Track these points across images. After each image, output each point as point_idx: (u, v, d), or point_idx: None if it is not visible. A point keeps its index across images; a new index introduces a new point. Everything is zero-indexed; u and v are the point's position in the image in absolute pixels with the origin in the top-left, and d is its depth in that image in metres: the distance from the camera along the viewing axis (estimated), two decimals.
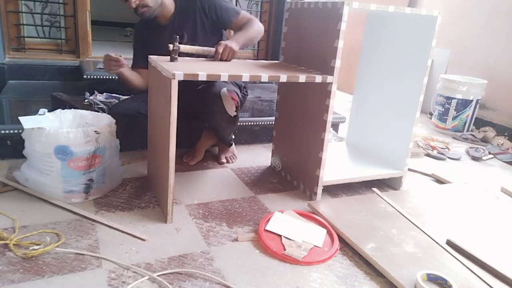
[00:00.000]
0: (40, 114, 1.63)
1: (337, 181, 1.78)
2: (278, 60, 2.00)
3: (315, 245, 1.37)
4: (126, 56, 3.22)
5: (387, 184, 1.97)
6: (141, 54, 1.94)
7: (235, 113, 1.88)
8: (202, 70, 1.41)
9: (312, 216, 1.56)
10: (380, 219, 1.56)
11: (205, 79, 1.36)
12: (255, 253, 1.33)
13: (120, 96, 2.31)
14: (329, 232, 1.46)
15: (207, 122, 2.13)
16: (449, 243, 1.42)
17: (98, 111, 1.92)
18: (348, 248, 1.40)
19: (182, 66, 1.47)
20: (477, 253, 1.35)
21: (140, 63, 1.96)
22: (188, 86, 1.76)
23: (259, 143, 2.42)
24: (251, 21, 1.96)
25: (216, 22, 1.98)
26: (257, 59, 2.20)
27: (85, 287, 1.11)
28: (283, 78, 1.48)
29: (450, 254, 1.37)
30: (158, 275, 1.16)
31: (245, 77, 1.41)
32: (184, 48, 1.69)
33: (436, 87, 3.24)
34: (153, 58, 1.62)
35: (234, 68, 1.58)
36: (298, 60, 1.81)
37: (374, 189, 1.82)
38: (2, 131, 1.82)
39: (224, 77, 1.38)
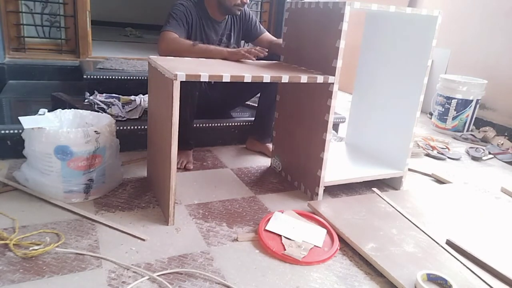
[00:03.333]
0: (40, 114, 1.63)
1: (338, 181, 1.78)
2: (278, 60, 2.00)
3: (315, 245, 1.37)
4: (125, 56, 3.22)
5: (387, 184, 1.97)
6: (182, 28, 1.96)
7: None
8: (204, 70, 1.41)
9: (312, 216, 1.56)
10: (380, 219, 1.56)
11: (207, 80, 1.36)
12: (255, 253, 1.33)
13: (120, 96, 2.31)
14: (329, 232, 1.46)
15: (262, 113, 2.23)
16: (449, 243, 1.42)
17: (98, 111, 1.92)
18: (348, 248, 1.40)
19: (183, 67, 1.47)
20: (476, 253, 1.35)
21: (179, 33, 1.93)
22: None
23: None
24: (278, 40, 2.19)
25: (247, 32, 2.24)
26: (257, 59, 2.20)
27: (85, 287, 1.11)
28: (285, 78, 1.48)
29: (450, 254, 1.37)
30: (158, 275, 1.16)
31: (247, 78, 1.41)
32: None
33: (436, 87, 3.24)
34: (153, 58, 1.62)
35: (235, 69, 1.58)
36: (299, 60, 1.81)
37: (374, 189, 1.82)
38: (2, 131, 1.82)
39: (226, 78, 1.38)
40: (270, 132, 2.25)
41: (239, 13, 2.09)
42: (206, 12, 2.07)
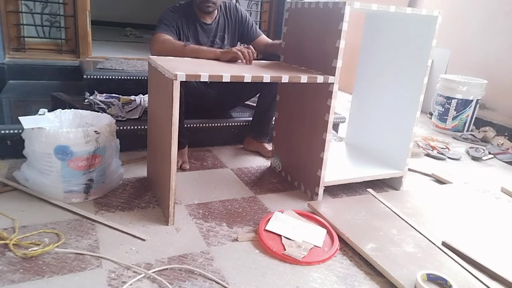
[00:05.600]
0: (40, 114, 1.63)
1: (338, 181, 1.78)
2: (277, 60, 2.00)
3: (315, 245, 1.37)
4: (125, 56, 3.22)
5: (388, 184, 1.97)
6: (174, 31, 1.98)
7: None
8: (204, 70, 1.41)
9: (312, 216, 1.56)
10: (380, 219, 1.56)
11: (207, 80, 1.36)
12: (255, 253, 1.33)
13: (120, 96, 2.31)
14: (329, 232, 1.46)
15: (263, 110, 2.21)
16: (445, 244, 1.42)
17: (98, 111, 1.92)
18: (348, 248, 1.40)
19: (183, 67, 1.47)
20: (473, 254, 1.35)
21: (171, 35, 1.94)
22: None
23: None
24: (275, 41, 2.22)
25: (243, 35, 2.25)
26: (257, 59, 2.21)
27: (85, 287, 1.11)
28: (285, 78, 1.48)
29: (448, 256, 1.37)
30: (156, 271, 1.16)
31: (247, 78, 1.41)
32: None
33: (436, 87, 3.24)
34: (153, 58, 1.62)
35: (235, 69, 1.58)
36: (299, 60, 1.81)
37: (369, 189, 1.82)
38: (2, 131, 1.82)
39: (226, 78, 1.38)
40: (267, 131, 2.25)
41: (210, 9, 2.06)
42: (195, 15, 2.09)
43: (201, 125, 2.22)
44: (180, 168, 1.95)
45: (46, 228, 1.35)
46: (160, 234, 1.39)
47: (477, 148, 2.70)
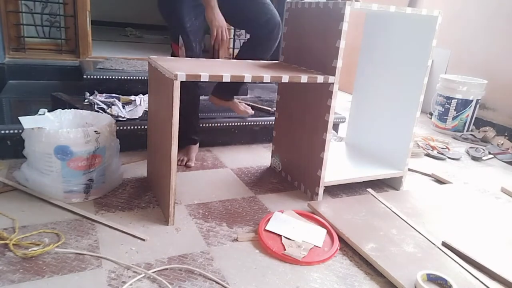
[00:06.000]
0: (40, 114, 1.63)
1: (338, 181, 1.78)
2: (278, 60, 2.00)
3: (315, 245, 1.37)
4: (125, 56, 3.22)
5: (388, 184, 1.97)
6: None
7: None
8: (204, 70, 1.41)
9: (312, 216, 1.56)
10: (380, 219, 1.56)
11: (207, 80, 1.36)
12: (255, 253, 1.33)
13: (120, 96, 2.31)
14: (329, 232, 1.46)
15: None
16: (445, 245, 1.42)
17: (98, 111, 1.92)
18: (348, 248, 1.40)
19: (183, 66, 1.47)
20: (473, 254, 1.35)
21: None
22: None
23: (259, 143, 2.42)
24: None
25: None
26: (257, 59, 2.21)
27: (85, 287, 1.11)
28: (285, 78, 1.48)
29: (448, 256, 1.37)
30: (156, 271, 1.16)
31: (247, 78, 1.41)
32: None
33: (436, 87, 3.24)
34: (153, 58, 1.62)
35: (236, 69, 1.58)
36: (299, 60, 1.81)
37: (369, 189, 1.82)
38: (2, 131, 1.82)
39: (227, 78, 1.38)
40: (237, 92, 2.19)
41: None
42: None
43: (201, 125, 2.22)
44: (185, 165, 1.96)
45: (46, 228, 1.35)
46: (160, 234, 1.39)
47: (477, 148, 2.70)
